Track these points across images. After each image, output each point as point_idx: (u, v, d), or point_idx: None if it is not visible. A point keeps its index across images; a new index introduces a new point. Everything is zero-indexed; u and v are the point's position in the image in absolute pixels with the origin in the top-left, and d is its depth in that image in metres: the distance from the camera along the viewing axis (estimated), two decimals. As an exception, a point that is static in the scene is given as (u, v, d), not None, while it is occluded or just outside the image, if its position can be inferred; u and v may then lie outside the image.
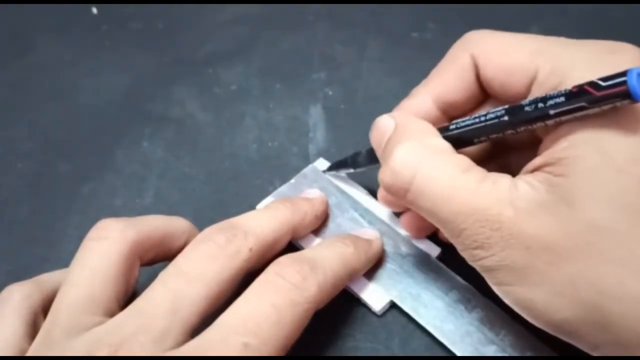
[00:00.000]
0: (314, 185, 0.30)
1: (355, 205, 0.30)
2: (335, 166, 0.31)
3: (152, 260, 0.25)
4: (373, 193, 0.30)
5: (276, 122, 0.35)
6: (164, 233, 0.25)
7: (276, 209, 0.27)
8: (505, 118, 0.21)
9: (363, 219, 0.29)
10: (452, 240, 0.22)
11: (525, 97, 0.22)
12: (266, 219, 0.26)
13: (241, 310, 0.21)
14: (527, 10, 0.41)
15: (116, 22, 0.42)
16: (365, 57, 0.39)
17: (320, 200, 0.29)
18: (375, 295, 0.26)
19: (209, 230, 0.24)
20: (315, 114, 0.36)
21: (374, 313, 0.27)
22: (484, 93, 0.25)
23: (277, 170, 0.33)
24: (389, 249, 0.28)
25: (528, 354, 0.24)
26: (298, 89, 0.37)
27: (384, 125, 0.24)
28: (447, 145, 0.22)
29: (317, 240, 0.28)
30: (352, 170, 0.29)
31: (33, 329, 0.23)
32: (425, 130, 0.23)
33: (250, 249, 0.24)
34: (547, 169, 0.20)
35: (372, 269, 0.27)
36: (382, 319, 0.27)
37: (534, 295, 0.20)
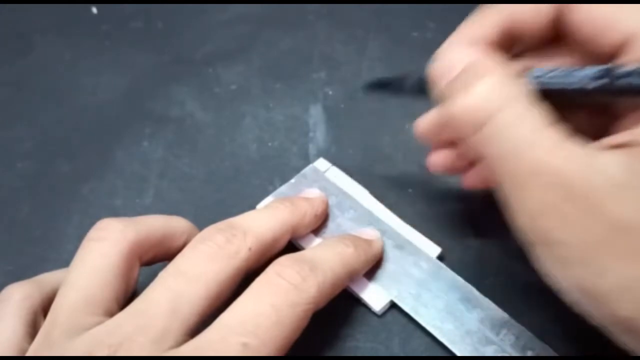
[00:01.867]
0: (314, 185, 0.30)
1: (355, 205, 0.30)
2: (375, 86, 0.27)
3: (152, 260, 0.25)
4: (373, 193, 0.30)
5: (276, 122, 0.35)
6: (163, 233, 0.25)
7: (275, 209, 0.27)
8: (605, 80, 0.19)
9: (363, 219, 0.29)
10: (510, 199, 0.20)
11: (611, 56, 0.20)
12: (265, 218, 0.26)
13: (240, 311, 0.21)
14: (527, 10, 0.41)
15: (116, 22, 0.42)
16: (366, 57, 0.39)
17: (320, 200, 0.29)
18: (375, 295, 0.26)
19: (208, 231, 0.24)
20: (315, 114, 0.36)
21: (374, 313, 0.27)
22: (555, 33, 0.22)
23: (277, 170, 0.33)
24: (388, 249, 0.28)
25: (528, 354, 0.24)
26: (298, 88, 0.37)
27: (453, 57, 0.22)
28: (531, 92, 0.20)
29: (317, 240, 0.28)
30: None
31: (33, 329, 0.23)
32: (508, 69, 0.21)
33: (250, 249, 0.24)
34: (636, 149, 0.18)
35: (372, 268, 0.27)
36: (382, 319, 0.27)
37: (602, 283, 0.18)
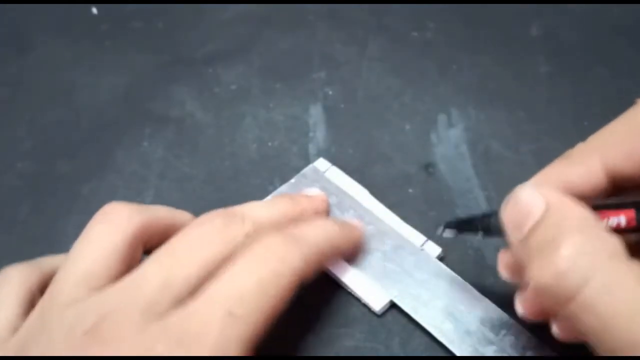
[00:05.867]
0: (314, 185, 0.30)
1: (355, 205, 0.30)
2: (456, 225, 0.25)
3: (156, 247, 0.25)
4: (373, 193, 0.30)
5: (276, 122, 0.35)
6: (168, 223, 0.25)
7: (276, 202, 0.27)
8: None
9: (363, 219, 0.29)
10: None
11: None
12: (265, 208, 0.26)
13: (226, 281, 0.22)
14: (527, 10, 0.41)
15: (116, 22, 0.42)
16: (366, 57, 0.39)
17: (320, 198, 0.29)
18: (375, 295, 0.26)
19: (207, 215, 0.24)
20: (315, 114, 0.36)
21: (374, 313, 0.27)
22: None
23: (277, 170, 0.33)
24: (388, 248, 0.28)
25: (528, 354, 0.24)
26: (298, 88, 0.37)
27: (529, 202, 0.20)
28: (621, 245, 0.18)
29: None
30: (478, 236, 0.24)
31: (30, 310, 0.23)
32: (592, 221, 0.19)
33: (247, 235, 0.24)
34: None
35: (372, 269, 0.27)
36: (382, 319, 0.27)
37: None
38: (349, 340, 0.26)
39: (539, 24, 0.40)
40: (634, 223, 0.19)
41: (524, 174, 0.32)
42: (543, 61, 0.38)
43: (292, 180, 0.31)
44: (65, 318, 0.21)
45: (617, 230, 0.19)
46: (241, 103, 0.37)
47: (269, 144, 0.34)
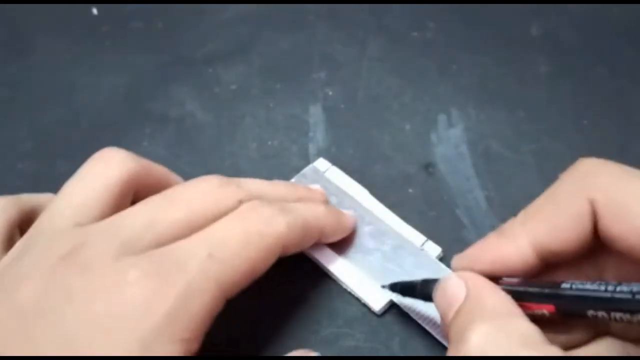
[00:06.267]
0: (314, 185, 0.30)
1: (355, 205, 0.30)
2: (397, 288, 0.25)
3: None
4: (373, 193, 0.30)
5: (276, 122, 0.35)
6: (163, 177, 0.26)
7: (274, 183, 0.27)
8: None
9: (363, 219, 0.29)
10: None
11: None
12: (263, 184, 0.26)
13: (210, 230, 0.22)
14: (527, 10, 0.41)
15: (116, 22, 0.42)
16: (365, 57, 0.39)
17: (320, 192, 0.29)
18: (375, 295, 0.26)
19: (205, 175, 0.25)
20: (315, 114, 0.36)
21: (374, 313, 0.27)
22: (600, 243, 0.20)
23: (277, 169, 0.33)
24: (388, 248, 0.28)
25: (528, 354, 0.24)
26: (298, 88, 0.37)
27: (452, 290, 0.20)
28: (535, 332, 0.18)
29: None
30: (419, 301, 0.24)
31: (8, 243, 0.23)
32: (506, 308, 0.19)
33: (239, 201, 0.24)
34: None
35: (372, 269, 0.27)
36: (382, 319, 0.27)
37: None
38: (349, 340, 0.26)
39: (539, 24, 0.40)
40: (556, 316, 0.19)
41: (524, 174, 0.32)
42: (543, 61, 0.38)
43: (292, 180, 0.31)
44: (45, 245, 0.21)
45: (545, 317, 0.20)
46: (241, 103, 0.37)
47: (269, 143, 0.34)
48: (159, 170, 0.26)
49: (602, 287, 0.18)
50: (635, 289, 0.17)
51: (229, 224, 0.22)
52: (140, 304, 0.19)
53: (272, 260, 0.23)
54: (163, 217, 0.22)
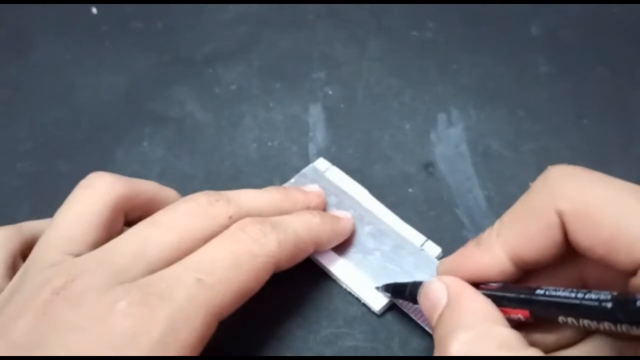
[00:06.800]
0: (314, 185, 0.30)
1: (355, 205, 0.30)
2: (389, 289, 0.26)
3: (138, 220, 0.25)
4: (373, 193, 0.30)
5: (276, 122, 0.35)
6: (153, 196, 0.26)
7: (266, 191, 0.27)
8: (609, 306, 0.17)
9: (363, 219, 0.29)
10: None
11: (633, 270, 0.18)
12: (253, 195, 0.26)
13: (199, 254, 0.22)
14: (527, 10, 0.41)
15: (116, 22, 0.42)
16: (365, 57, 0.39)
17: (316, 193, 0.29)
18: (375, 295, 0.26)
19: (193, 194, 0.25)
20: (315, 114, 0.36)
21: (374, 313, 0.27)
22: (574, 250, 0.20)
23: (277, 169, 0.33)
24: (388, 248, 0.28)
25: (528, 353, 0.24)
26: (298, 88, 0.37)
27: (435, 295, 0.21)
28: (513, 337, 0.18)
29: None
30: (409, 303, 0.25)
31: (12, 271, 0.23)
32: (485, 314, 0.20)
33: (230, 217, 0.24)
34: None
35: (372, 269, 0.27)
36: (382, 319, 0.27)
37: None
38: (349, 340, 0.26)
39: (539, 24, 0.40)
40: (531, 321, 0.20)
41: (524, 174, 0.32)
42: (543, 61, 0.38)
43: (292, 180, 0.31)
44: (39, 279, 0.21)
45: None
46: (241, 103, 0.37)
47: (269, 143, 0.34)
48: (149, 187, 0.26)
49: (573, 294, 0.18)
50: (602, 297, 0.17)
51: (218, 247, 0.22)
52: (128, 334, 0.19)
53: (265, 278, 0.23)
54: (153, 244, 0.22)
